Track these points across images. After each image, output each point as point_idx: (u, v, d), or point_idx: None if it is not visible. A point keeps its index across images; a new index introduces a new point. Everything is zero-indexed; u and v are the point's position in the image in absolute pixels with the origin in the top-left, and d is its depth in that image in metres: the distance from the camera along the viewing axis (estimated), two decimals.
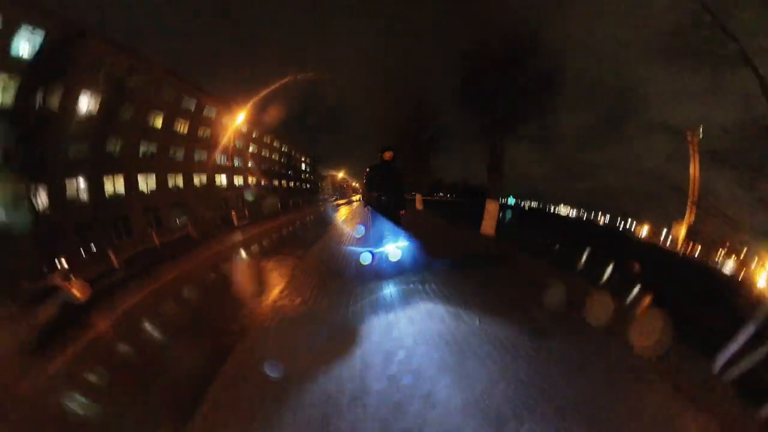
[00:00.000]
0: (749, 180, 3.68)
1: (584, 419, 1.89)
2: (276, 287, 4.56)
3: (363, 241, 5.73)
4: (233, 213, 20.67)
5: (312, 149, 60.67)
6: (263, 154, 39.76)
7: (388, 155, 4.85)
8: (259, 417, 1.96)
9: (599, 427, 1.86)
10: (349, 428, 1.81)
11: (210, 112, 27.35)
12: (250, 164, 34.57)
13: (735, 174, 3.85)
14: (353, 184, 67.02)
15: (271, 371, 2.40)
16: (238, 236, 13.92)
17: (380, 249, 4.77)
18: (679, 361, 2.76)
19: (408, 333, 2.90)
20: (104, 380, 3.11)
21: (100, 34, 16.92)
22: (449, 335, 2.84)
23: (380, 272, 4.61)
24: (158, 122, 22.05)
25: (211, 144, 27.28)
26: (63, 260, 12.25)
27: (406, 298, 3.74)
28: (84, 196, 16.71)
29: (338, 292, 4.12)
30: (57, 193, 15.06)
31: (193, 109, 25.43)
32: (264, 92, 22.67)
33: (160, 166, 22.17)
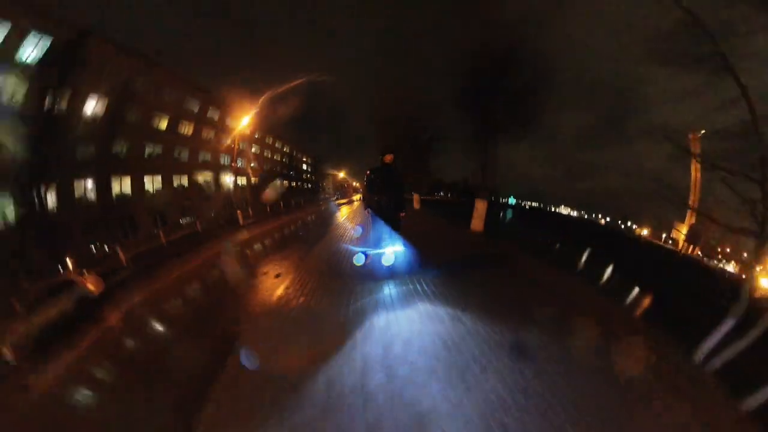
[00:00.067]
0: (734, 182, 3.80)
1: (583, 417, 1.96)
2: (278, 287, 4.65)
3: (361, 242, 5.86)
4: (239, 213, 20.98)
5: (313, 149, 61.14)
6: (265, 154, 40.05)
7: (388, 158, 4.91)
8: (259, 417, 2.04)
9: (599, 427, 1.92)
10: (349, 426, 1.89)
11: (213, 113, 27.62)
12: (253, 164, 34.85)
13: (720, 175, 3.97)
14: (354, 183, 67.14)
15: (272, 369, 2.50)
16: (244, 234, 14.19)
17: (376, 251, 4.88)
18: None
19: (405, 331, 3.04)
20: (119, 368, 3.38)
21: (100, 35, 17.06)
22: (447, 335, 2.98)
23: (375, 273, 4.68)
24: (163, 124, 22.32)
25: (215, 145, 27.56)
26: (73, 258, 12.50)
27: (405, 298, 3.83)
28: (91, 195, 17.01)
29: (339, 292, 4.19)
30: (65, 193, 15.35)
31: (196, 111, 25.68)
32: (271, 95, 22.85)
33: (166, 167, 22.44)
